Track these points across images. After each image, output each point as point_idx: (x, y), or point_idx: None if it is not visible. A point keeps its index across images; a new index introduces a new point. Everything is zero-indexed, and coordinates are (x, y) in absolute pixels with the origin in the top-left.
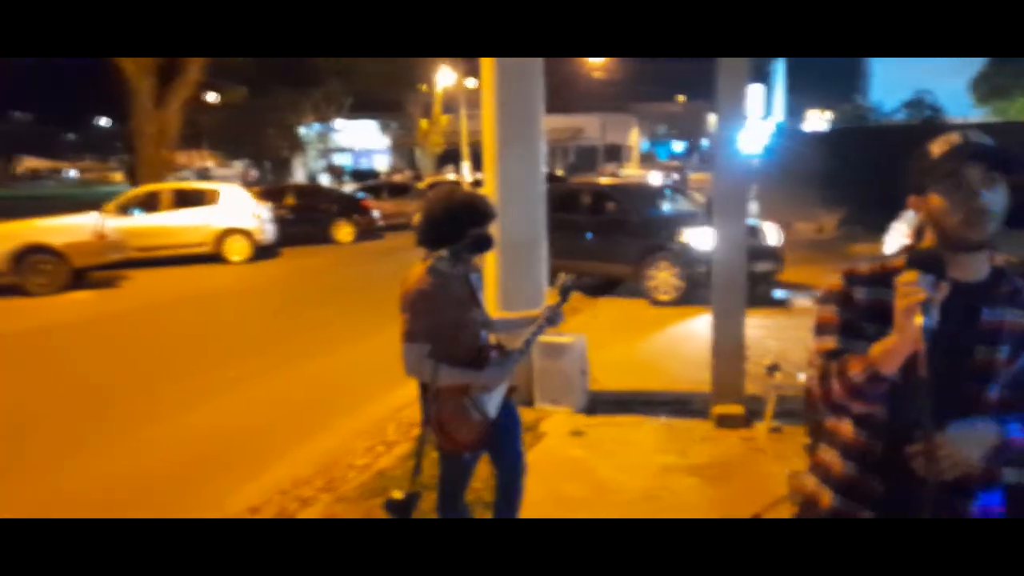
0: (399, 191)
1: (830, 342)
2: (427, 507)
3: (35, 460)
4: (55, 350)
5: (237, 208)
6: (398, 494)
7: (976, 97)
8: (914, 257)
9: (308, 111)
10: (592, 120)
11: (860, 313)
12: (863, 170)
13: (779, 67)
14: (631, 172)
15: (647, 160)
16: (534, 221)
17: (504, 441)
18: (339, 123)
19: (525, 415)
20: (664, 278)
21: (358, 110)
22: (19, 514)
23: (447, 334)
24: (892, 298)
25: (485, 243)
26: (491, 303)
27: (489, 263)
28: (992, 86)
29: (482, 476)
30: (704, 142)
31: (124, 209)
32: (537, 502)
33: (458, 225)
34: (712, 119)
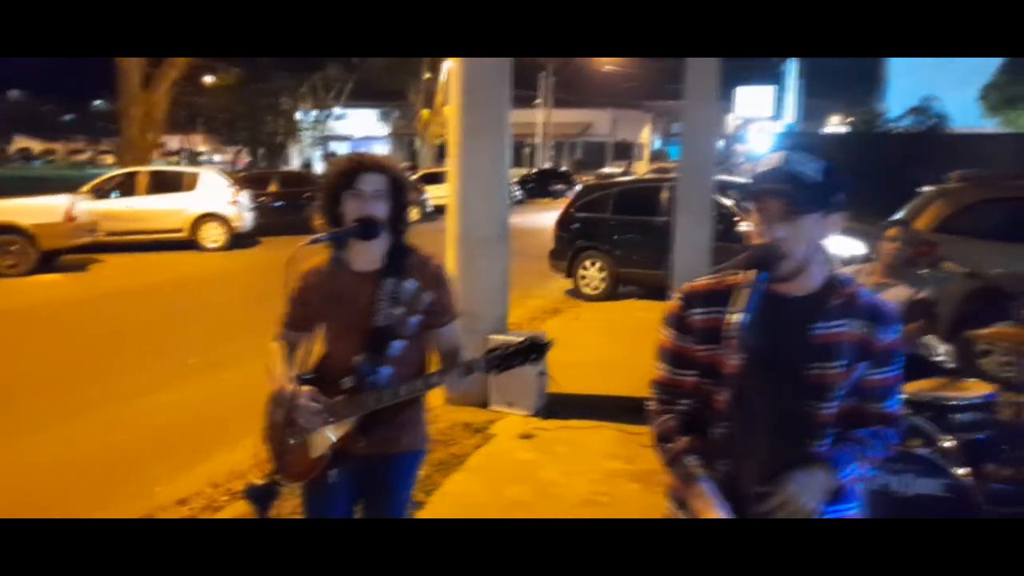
0: None
1: (661, 370)
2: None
3: None
4: (15, 334)
5: (215, 194)
6: (258, 480)
7: (986, 107)
8: (749, 258)
9: (306, 96)
10: (602, 115)
11: (695, 336)
12: (867, 176)
13: (791, 68)
14: (636, 171)
15: (658, 158)
16: (497, 217)
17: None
18: (338, 110)
19: (478, 416)
20: None
21: (358, 97)
22: None
23: (314, 335)
24: (727, 317)
25: (367, 229)
26: None
27: (448, 258)
28: (1004, 96)
29: None
30: (720, 143)
31: (101, 192)
32: (478, 504)
33: (339, 204)
34: (729, 119)
